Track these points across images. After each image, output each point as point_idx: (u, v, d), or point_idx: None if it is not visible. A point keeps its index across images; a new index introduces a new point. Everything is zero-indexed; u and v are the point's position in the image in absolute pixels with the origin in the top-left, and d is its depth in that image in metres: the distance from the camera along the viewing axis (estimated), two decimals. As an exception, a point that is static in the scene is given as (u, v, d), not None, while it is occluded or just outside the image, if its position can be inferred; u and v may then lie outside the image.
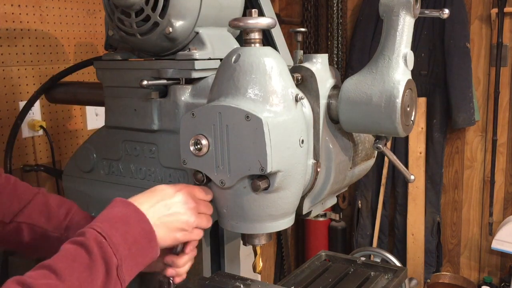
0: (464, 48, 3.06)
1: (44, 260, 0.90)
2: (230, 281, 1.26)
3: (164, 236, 1.02)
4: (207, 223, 1.10)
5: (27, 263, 1.42)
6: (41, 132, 2.10)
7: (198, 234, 1.09)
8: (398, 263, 1.60)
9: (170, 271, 1.10)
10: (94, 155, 1.50)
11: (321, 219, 3.55)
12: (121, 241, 0.93)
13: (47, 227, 1.16)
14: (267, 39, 1.48)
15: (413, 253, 3.34)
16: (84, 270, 0.87)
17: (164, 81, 1.29)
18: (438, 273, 3.34)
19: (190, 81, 1.29)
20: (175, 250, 1.10)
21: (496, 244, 2.95)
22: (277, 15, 3.21)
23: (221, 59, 1.13)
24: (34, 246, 1.17)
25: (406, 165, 3.25)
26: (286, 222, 1.13)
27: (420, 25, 3.14)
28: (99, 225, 0.93)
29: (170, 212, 1.03)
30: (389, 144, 1.32)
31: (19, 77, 2.06)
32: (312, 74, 1.15)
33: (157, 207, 1.02)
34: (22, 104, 1.94)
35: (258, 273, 1.20)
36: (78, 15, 2.27)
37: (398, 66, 1.11)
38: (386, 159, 3.26)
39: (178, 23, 1.25)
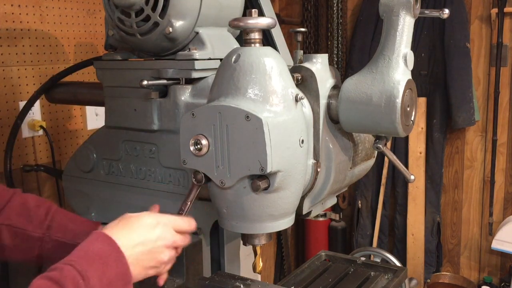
0: (464, 48, 3.06)
1: (26, 263, 0.90)
2: (230, 281, 1.26)
3: (137, 275, 0.99)
4: (176, 255, 1.08)
5: (26, 264, 1.42)
6: (41, 132, 2.10)
7: (167, 268, 1.07)
8: (398, 263, 1.60)
9: None
10: (94, 155, 1.50)
11: (321, 219, 3.55)
12: (97, 283, 0.89)
13: (27, 228, 1.15)
14: (267, 39, 1.48)
15: (413, 253, 3.34)
16: None
17: (164, 81, 1.29)
18: (438, 273, 3.34)
19: (190, 81, 1.29)
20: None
21: (496, 244, 2.95)
22: (277, 15, 3.21)
23: (221, 59, 1.13)
24: (14, 248, 1.15)
25: (406, 165, 3.25)
26: (286, 222, 1.13)
27: (420, 25, 3.14)
28: (78, 262, 0.89)
29: (147, 250, 0.99)
30: (389, 144, 1.32)
31: (19, 77, 2.06)
32: (312, 74, 1.15)
33: (136, 246, 0.98)
34: (22, 104, 1.94)
35: (258, 273, 1.20)
36: (78, 15, 2.27)
37: (398, 66, 1.11)
38: (386, 159, 3.26)
39: (178, 23, 1.25)
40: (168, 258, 1.03)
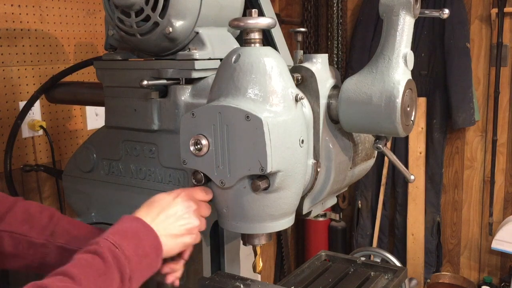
0: (464, 48, 3.06)
1: (28, 271, 0.90)
2: (230, 281, 1.26)
3: (173, 246, 1.03)
4: (205, 225, 1.11)
5: (28, 271, 1.42)
6: (41, 132, 2.10)
7: (199, 237, 1.10)
8: (398, 263, 1.60)
9: (170, 278, 1.11)
10: (94, 155, 1.50)
11: (321, 219, 3.55)
12: (133, 253, 0.93)
13: (30, 234, 1.14)
14: (267, 39, 1.48)
15: (413, 253, 3.34)
16: (100, 276, 0.88)
17: (164, 81, 1.29)
18: (438, 273, 3.34)
19: (190, 81, 1.29)
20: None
21: (496, 244, 2.95)
22: (277, 15, 3.21)
23: (221, 59, 1.13)
24: (17, 255, 1.14)
25: (406, 165, 3.25)
26: (286, 222, 1.13)
27: (420, 25, 3.14)
28: (111, 237, 0.93)
29: (173, 219, 1.03)
30: (389, 144, 1.32)
31: (19, 77, 2.06)
32: (312, 74, 1.15)
33: (160, 218, 1.02)
34: (22, 104, 1.94)
35: (258, 273, 1.20)
36: (78, 15, 2.27)
37: (398, 66, 1.11)
38: (386, 159, 3.26)
39: (178, 23, 1.25)
40: (197, 223, 1.06)
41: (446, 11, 1.16)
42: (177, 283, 1.13)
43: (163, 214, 1.03)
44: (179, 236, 1.04)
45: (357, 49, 3.38)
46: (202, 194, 1.09)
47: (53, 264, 1.09)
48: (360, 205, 3.47)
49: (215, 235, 1.45)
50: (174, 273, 1.11)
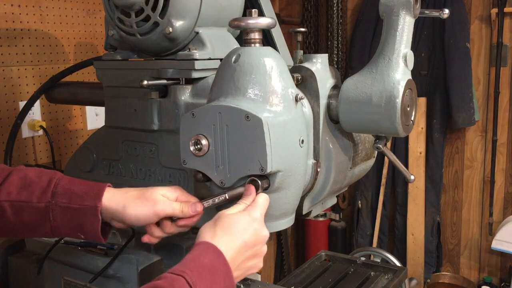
0: (464, 48, 3.06)
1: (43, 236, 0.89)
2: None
3: (240, 276, 0.99)
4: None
5: (27, 262, 1.42)
6: (41, 132, 2.10)
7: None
8: (398, 263, 1.60)
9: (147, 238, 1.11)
10: (94, 155, 1.50)
11: (321, 219, 3.55)
12: None
13: (30, 200, 1.08)
14: (267, 39, 1.48)
15: (413, 253, 3.34)
16: None
17: (164, 81, 1.29)
18: (438, 273, 3.34)
19: (190, 81, 1.29)
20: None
21: (496, 244, 2.95)
22: (277, 15, 3.21)
23: (221, 59, 1.13)
24: (23, 225, 1.09)
25: (406, 165, 3.25)
26: (286, 222, 1.13)
27: (420, 25, 3.14)
28: (190, 275, 0.87)
29: (250, 253, 0.98)
30: (389, 144, 1.32)
31: (19, 77, 2.06)
32: (312, 74, 1.15)
33: (240, 252, 0.96)
34: (22, 104, 1.94)
35: (258, 273, 1.20)
36: (78, 15, 2.27)
37: (398, 66, 1.11)
38: (386, 159, 3.26)
39: (178, 23, 1.25)
40: (265, 251, 1.02)
41: (446, 11, 1.16)
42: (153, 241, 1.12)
43: (243, 246, 0.96)
44: (251, 269, 0.99)
45: (357, 49, 3.38)
46: (267, 204, 1.03)
47: (61, 228, 1.07)
48: (360, 205, 3.47)
49: (215, 235, 1.45)
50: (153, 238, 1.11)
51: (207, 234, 0.95)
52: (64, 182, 1.10)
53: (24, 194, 1.08)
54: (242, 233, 0.96)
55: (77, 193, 1.08)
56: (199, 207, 1.07)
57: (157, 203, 1.07)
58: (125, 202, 1.07)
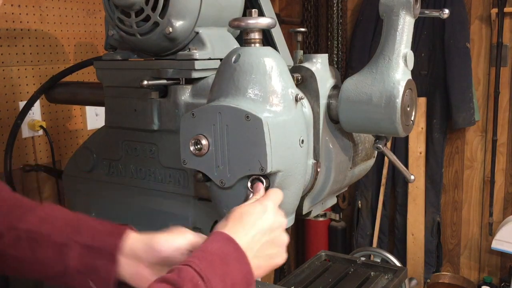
0: (464, 48, 3.06)
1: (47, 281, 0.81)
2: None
3: (263, 266, 0.92)
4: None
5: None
6: (41, 132, 2.10)
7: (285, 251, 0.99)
8: (398, 263, 1.60)
9: None
10: (94, 155, 1.50)
11: (321, 219, 3.55)
12: (220, 283, 0.81)
13: (51, 233, 0.98)
14: (267, 39, 1.48)
15: (413, 253, 3.34)
16: None
17: (164, 81, 1.29)
18: (438, 273, 3.34)
19: (190, 81, 1.29)
20: None
21: (496, 244, 2.95)
22: (277, 15, 3.21)
23: (221, 59, 1.13)
24: (35, 259, 0.99)
25: (406, 165, 3.25)
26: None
27: (420, 25, 3.14)
28: (197, 263, 0.81)
29: (266, 239, 0.92)
30: (389, 144, 1.32)
31: (19, 77, 2.06)
32: (312, 74, 1.15)
33: (254, 238, 0.90)
34: (22, 104, 1.94)
35: (258, 273, 1.20)
36: (78, 15, 2.27)
37: (398, 66, 1.11)
38: (386, 159, 3.26)
39: (178, 23, 1.25)
40: (286, 239, 0.96)
41: (446, 11, 1.16)
42: None
43: (257, 231, 0.90)
44: (271, 257, 0.93)
45: (357, 49, 3.38)
46: (280, 197, 0.99)
47: (76, 269, 0.96)
48: (360, 205, 3.47)
49: (215, 235, 1.45)
50: None
51: (218, 226, 0.91)
52: (89, 219, 1.02)
53: (46, 227, 0.98)
54: (255, 219, 0.92)
55: (98, 233, 0.98)
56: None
57: (186, 232, 0.99)
58: (152, 235, 0.98)
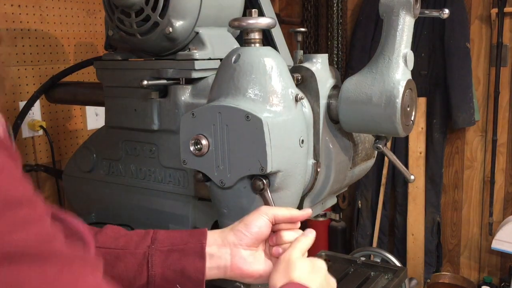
0: (464, 48, 3.06)
1: None
2: (230, 281, 1.26)
3: None
4: None
5: None
6: (41, 132, 2.10)
7: None
8: (398, 263, 1.60)
9: None
10: (94, 155, 1.50)
11: (321, 219, 3.55)
12: None
13: (128, 247, 0.94)
14: (267, 39, 1.48)
15: (413, 253, 3.34)
16: None
17: (164, 81, 1.29)
18: (438, 273, 3.34)
19: (190, 81, 1.29)
20: None
21: (496, 244, 2.95)
22: (277, 15, 3.20)
23: (221, 59, 1.13)
24: (115, 275, 0.93)
25: (406, 165, 3.25)
26: (286, 222, 1.13)
27: (420, 25, 3.14)
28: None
29: None
30: (389, 144, 1.32)
31: (19, 77, 2.06)
32: (312, 74, 1.15)
33: None
34: (22, 104, 1.94)
35: (258, 273, 1.20)
36: (78, 15, 2.27)
37: (398, 66, 1.11)
38: (386, 159, 3.26)
39: (178, 23, 1.25)
40: None
41: (446, 11, 1.16)
42: None
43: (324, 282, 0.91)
44: None
45: (357, 49, 3.38)
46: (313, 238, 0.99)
47: (161, 276, 0.92)
48: (360, 205, 3.47)
49: (215, 235, 1.45)
50: None
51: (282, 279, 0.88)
52: (163, 231, 0.98)
53: (121, 241, 0.94)
54: (324, 273, 0.93)
55: (178, 237, 0.95)
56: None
57: (268, 209, 0.98)
58: (232, 225, 0.97)
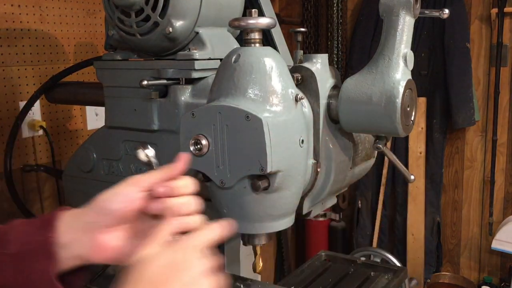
0: (464, 48, 3.06)
1: None
2: (230, 281, 1.26)
3: None
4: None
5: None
6: (41, 132, 2.10)
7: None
8: (398, 263, 1.60)
9: None
10: (94, 155, 1.50)
11: (321, 219, 3.55)
12: None
13: None
14: (267, 39, 1.48)
15: (413, 253, 3.34)
16: None
17: (164, 81, 1.29)
18: (438, 273, 3.34)
19: (190, 81, 1.29)
20: None
21: (496, 244, 2.95)
22: (277, 15, 3.20)
23: (221, 59, 1.13)
24: None
25: (406, 165, 3.25)
26: (286, 222, 1.13)
27: (420, 25, 3.14)
28: None
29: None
30: (389, 144, 1.32)
31: (19, 77, 2.06)
32: (312, 74, 1.15)
33: None
34: (22, 104, 1.94)
35: (258, 273, 1.20)
36: (78, 15, 2.27)
37: (398, 66, 1.11)
38: (386, 159, 3.26)
39: (178, 23, 1.25)
40: (210, 265, 0.79)
41: (446, 11, 1.16)
42: None
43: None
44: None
45: (357, 49, 3.38)
46: (215, 234, 0.81)
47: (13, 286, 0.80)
48: (360, 205, 3.47)
49: (215, 235, 1.45)
50: None
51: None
52: (18, 223, 0.85)
53: None
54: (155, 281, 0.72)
55: (29, 232, 0.82)
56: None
57: (137, 177, 0.84)
58: (94, 202, 0.85)
